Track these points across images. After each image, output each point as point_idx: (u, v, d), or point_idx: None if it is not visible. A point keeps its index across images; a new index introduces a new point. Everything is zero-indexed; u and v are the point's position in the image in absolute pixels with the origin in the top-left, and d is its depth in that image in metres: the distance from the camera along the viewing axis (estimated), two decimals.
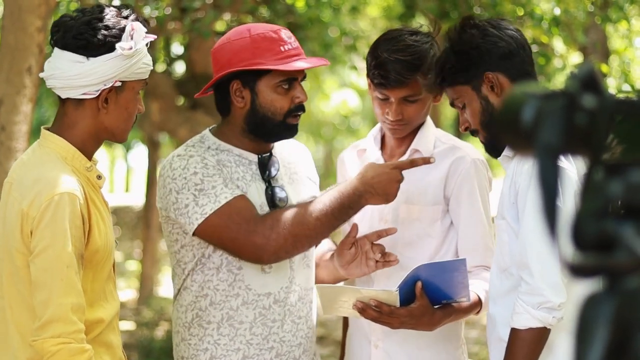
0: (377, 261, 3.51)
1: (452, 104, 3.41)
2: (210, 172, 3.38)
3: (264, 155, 3.51)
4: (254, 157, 3.50)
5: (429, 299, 3.41)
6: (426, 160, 3.39)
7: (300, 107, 3.46)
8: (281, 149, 3.61)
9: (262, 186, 3.47)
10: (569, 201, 3.05)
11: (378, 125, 3.85)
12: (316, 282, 3.63)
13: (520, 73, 3.33)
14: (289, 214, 3.36)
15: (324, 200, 3.39)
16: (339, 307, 3.49)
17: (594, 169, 1.25)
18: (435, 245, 3.68)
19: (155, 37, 3.14)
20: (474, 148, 3.78)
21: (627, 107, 1.25)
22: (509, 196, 3.22)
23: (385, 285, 3.64)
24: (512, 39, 3.35)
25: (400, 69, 3.55)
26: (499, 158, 3.45)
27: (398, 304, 3.38)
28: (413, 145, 3.71)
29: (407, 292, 3.39)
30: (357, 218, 3.80)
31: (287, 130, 3.47)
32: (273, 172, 3.50)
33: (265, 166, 3.49)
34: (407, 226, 3.69)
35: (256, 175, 3.48)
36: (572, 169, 3.10)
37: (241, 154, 3.49)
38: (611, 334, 1.19)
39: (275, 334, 3.46)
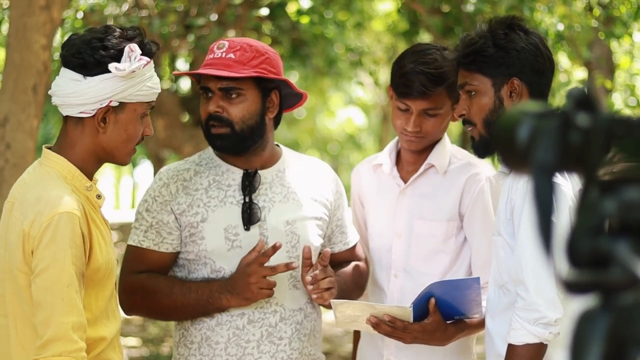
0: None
1: (461, 87, 3.39)
2: (153, 207, 3.51)
3: (249, 171, 3.53)
4: (239, 173, 3.53)
5: (442, 315, 3.43)
6: (289, 266, 3.41)
7: (213, 117, 3.45)
8: (291, 166, 3.63)
9: (242, 202, 3.50)
10: (564, 218, 3.05)
11: (394, 141, 3.87)
12: None
13: (540, 93, 3.32)
14: (151, 290, 3.46)
15: (191, 288, 3.45)
16: (353, 321, 3.50)
17: (588, 186, 1.26)
18: (449, 260, 3.70)
19: (148, 60, 3.10)
20: (489, 165, 3.79)
21: (621, 125, 1.26)
22: (505, 212, 3.21)
23: (399, 302, 3.67)
24: (549, 59, 3.34)
25: (424, 80, 3.58)
26: (496, 173, 3.46)
27: (411, 320, 3.39)
28: (428, 160, 3.72)
29: (421, 308, 3.41)
30: (371, 234, 3.82)
31: (210, 139, 3.51)
32: (254, 189, 3.51)
33: (248, 182, 3.51)
34: (421, 241, 3.71)
35: (236, 192, 3.51)
36: (568, 186, 3.10)
37: (229, 169, 3.55)
38: (606, 350, 1.20)
39: (250, 355, 3.47)
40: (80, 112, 3.00)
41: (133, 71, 2.99)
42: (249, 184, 3.50)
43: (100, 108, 3.00)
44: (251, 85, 3.45)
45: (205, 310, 3.44)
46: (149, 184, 3.60)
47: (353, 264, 3.72)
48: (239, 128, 3.44)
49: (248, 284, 3.37)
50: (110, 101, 3.00)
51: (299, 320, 3.53)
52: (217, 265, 3.47)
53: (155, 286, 3.45)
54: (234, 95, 3.43)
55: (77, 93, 2.97)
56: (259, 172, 3.54)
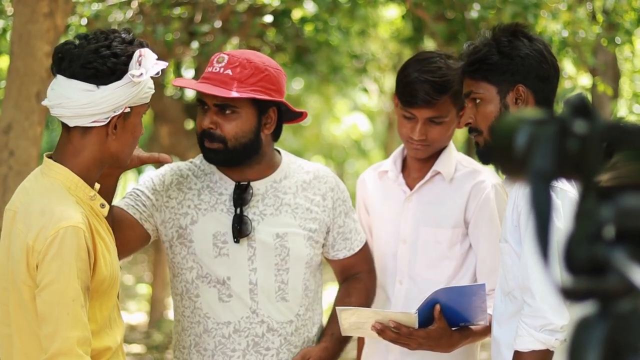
0: None
1: (466, 95, 3.39)
2: (141, 187, 3.54)
3: (242, 182, 3.51)
4: (232, 184, 3.53)
5: (447, 321, 3.43)
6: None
7: (205, 134, 3.45)
8: (289, 176, 3.60)
9: (232, 212, 3.50)
10: (570, 223, 3.04)
11: (400, 148, 3.88)
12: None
13: (545, 99, 3.32)
14: None
15: None
16: (358, 328, 3.50)
17: (586, 193, 1.26)
18: (454, 267, 3.70)
19: (167, 64, 3.14)
20: (495, 173, 3.79)
21: (617, 132, 1.26)
22: (511, 219, 3.21)
23: (403, 308, 3.67)
24: (553, 65, 3.34)
25: (429, 89, 3.58)
26: (503, 180, 3.45)
27: (417, 326, 3.39)
28: (435, 167, 3.72)
29: (426, 314, 3.41)
30: (376, 240, 3.82)
31: (203, 152, 3.51)
32: (246, 201, 3.50)
33: (240, 195, 3.50)
34: (426, 248, 3.71)
35: (227, 201, 3.51)
36: (573, 192, 3.09)
37: (221, 177, 3.55)
38: (603, 357, 1.20)
39: None
40: (93, 122, 2.98)
41: (147, 76, 2.99)
42: (240, 197, 3.49)
43: (114, 115, 2.99)
44: (247, 103, 3.43)
45: None
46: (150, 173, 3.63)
47: (355, 290, 3.71)
48: (231, 145, 3.43)
49: None
50: (125, 108, 2.99)
51: (289, 332, 3.52)
52: (203, 271, 3.48)
53: None
54: (228, 112, 3.42)
55: (92, 103, 2.95)
56: (252, 183, 3.52)
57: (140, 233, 3.50)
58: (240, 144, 3.43)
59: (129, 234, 3.46)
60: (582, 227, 1.24)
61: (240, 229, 3.46)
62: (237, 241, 3.46)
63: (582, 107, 1.28)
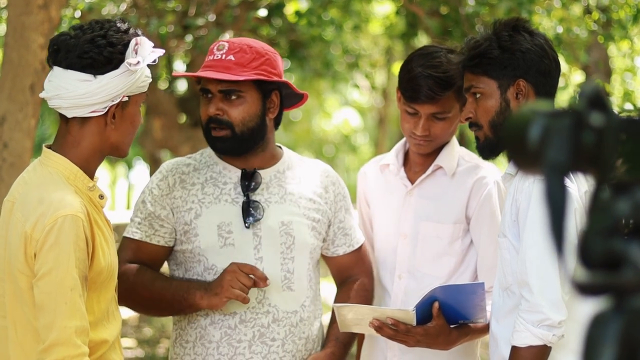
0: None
1: (467, 90, 3.37)
2: (148, 199, 3.53)
3: (247, 170, 3.52)
4: (236, 172, 3.53)
5: (446, 319, 3.41)
6: (263, 281, 3.39)
7: (213, 120, 3.45)
8: (291, 168, 3.62)
9: (240, 200, 3.50)
10: (570, 220, 3.03)
11: (402, 141, 3.86)
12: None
13: (546, 94, 3.30)
14: (134, 282, 3.46)
15: (172, 284, 3.45)
16: (356, 325, 3.48)
17: (601, 187, 1.24)
18: (454, 263, 3.68)
19: (164, 51, 3.13)
20: (497, 168, 3.77)
21: (634, 125, 1.24)
22: (510, 214, 3.20)
23: (402, 303, 3.65)
24: (554, 60, 3.33)
25: (432, 85, 3.55)
26: (500, 176, 3.44)
27: (414, 323, 3.38)
28: (437, 162, 3.71)
29: (424, 311, 3.39)
30: (376, 234, 3.80)
31: (210, 141, 3.51)
32: (252, 187, 3.50)
33: (247, 181, 3.50)
34: (427, 243, 3.69)
35: (232, 191, 3.51)
36: (574, 187, 3.08)
37: (225, 167, 3.55)
38: (618, 352, 1.19)
39: (242, 355, 3.47)
40: (92, 112, 2.97)
41: (143, 64, 2.98)
42: (248, 183, 3.49)
43: (112, 105, 2.98)
44: (251, 87, 3.45)
45: (180, 307, 3.43)
46: (152, 177, 3.61)
47: (354, 292, 3.71)
48: (239, 130, 3.44)
49: (221, 279, 3.36)
50: (123, 96, 2.98)
51: (294, 323, 3.52)
52: (209, 262, 3.47)
53: (138, 278, 3.45)
54: (233, 97, 3.43)
55: (89, 93, 2.94)
56: (257, 171, 3.53)
57: (167, 251, 3.55)
58: (247, 128, 3.45)
59: (159, 261, 3.56)
60: (598, 221, 1.22)
61: (249, 214, 3.46)
62: (247, 226, 3.45)
63: (597, 100, 1.26)
